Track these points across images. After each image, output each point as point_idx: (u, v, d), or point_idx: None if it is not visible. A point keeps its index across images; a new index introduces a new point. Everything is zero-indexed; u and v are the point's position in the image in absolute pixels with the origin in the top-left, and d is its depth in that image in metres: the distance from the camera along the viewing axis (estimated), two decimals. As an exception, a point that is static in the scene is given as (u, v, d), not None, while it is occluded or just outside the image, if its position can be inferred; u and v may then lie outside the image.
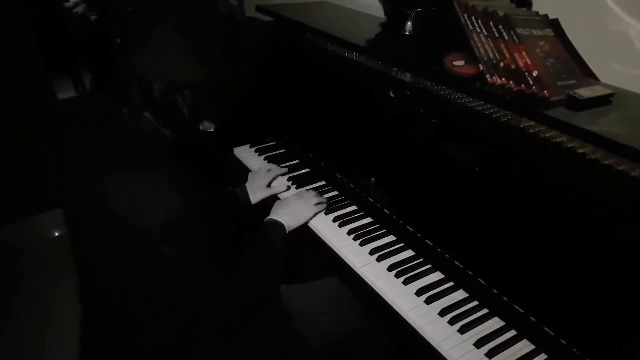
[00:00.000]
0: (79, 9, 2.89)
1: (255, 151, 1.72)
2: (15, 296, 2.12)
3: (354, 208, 1.41)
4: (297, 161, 1.64)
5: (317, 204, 1.34)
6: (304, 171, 1.60)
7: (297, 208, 1.28)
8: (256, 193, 1.42)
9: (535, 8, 1.17)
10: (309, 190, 1.42)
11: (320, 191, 1.48)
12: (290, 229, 1.22)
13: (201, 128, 1.21)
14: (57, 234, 2.49)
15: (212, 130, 1.24)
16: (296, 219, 1.25)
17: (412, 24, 1.22)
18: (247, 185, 1.44)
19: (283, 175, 1.54)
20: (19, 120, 2.52)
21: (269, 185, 1.46)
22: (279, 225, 1.20)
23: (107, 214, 0.95)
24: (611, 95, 0.98)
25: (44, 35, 2.76)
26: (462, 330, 1.02)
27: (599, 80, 1.14)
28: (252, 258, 1.11)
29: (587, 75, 1.12)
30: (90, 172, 1.03)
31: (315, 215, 1.33)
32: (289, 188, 1.50)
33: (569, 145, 0.92)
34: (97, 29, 2.73)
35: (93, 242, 1.02)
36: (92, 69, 3.00)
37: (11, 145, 2.40)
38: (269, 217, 1.23)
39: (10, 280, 2.18)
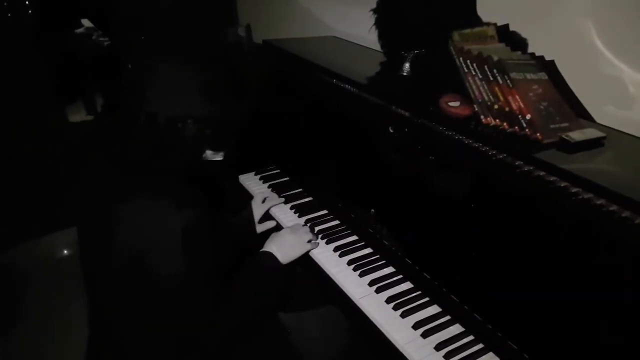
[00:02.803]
0: (92, 35, 2.99)
1: (260, 179, 1.76)
2: (22, 315, 2.15)
3: (354, 238, 1.44)
4: (300, 189, 1.68)
5: (309, 241, 1.35)
6: (306, 199, 1.63)
7: (289, 243, 1.29)
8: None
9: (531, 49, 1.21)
10: (304, 225, 1.45)
11: (321, 220, 1.51)
12: (283, 262, 1.24)
13: (206, 157, 1.24)
14: (65, 253, 2.54)
15: (220, 159, 1.27)
16: (288, 254, 1.26)
17: (410, 65, 1.27)
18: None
19: (279, 204, 1.57)
20: (31, 143, 2.59)
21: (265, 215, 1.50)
22: (271, 258, 1.22)
23: (116, 236, 0.99)
24: (603, 137, 1.01)
25: (56, 60, 2.85)
26: (457, 365, 1.04)
27: (594, 121, 1.17)
28: (245, 286, 1.14)
29: (582, 116, 1.15)
30: (101, 193, 1.06)
31: (307, 252, 1.34)
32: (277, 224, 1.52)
33: (561, 185, 0.94)
34: (110, 55, 2.82)
35: (102, 262, 1.05)
36: (104, 92, 3.08)
37: (21, 167, 2.47)
38: (262, 249, 1.26)
39: (17, 301, 2.22)
